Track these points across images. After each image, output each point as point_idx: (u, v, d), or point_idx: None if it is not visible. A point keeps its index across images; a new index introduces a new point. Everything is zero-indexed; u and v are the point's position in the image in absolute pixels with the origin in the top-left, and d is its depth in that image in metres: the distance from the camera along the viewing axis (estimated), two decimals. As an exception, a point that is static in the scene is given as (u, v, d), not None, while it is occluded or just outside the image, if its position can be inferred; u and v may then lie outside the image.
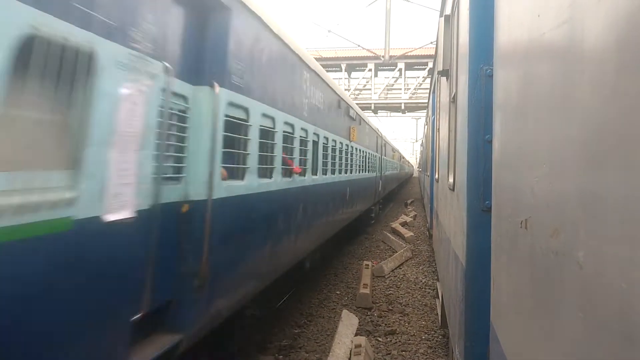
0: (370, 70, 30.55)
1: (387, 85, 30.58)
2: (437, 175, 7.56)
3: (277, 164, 5.84)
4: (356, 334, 7.09)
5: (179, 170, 3.78)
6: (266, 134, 5.52)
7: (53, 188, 2.37)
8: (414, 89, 29.87)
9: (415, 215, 24.45)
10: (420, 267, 12.33)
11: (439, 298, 7.91)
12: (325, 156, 8.84)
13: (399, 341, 7.29)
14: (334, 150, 9.62)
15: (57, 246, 2.37)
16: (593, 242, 1.00)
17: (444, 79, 5.61)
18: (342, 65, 31.11)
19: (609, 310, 0.90)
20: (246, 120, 4.83)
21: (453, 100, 4.38)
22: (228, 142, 4.37)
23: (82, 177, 2.53)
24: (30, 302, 2.25)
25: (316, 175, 8.16)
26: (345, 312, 7.87)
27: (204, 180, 3.92)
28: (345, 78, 31.53)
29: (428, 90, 19.53)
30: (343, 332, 6.81)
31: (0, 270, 2.08)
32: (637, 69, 0.81)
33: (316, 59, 8.39)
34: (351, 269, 11.87)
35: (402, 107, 30.77)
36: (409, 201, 33.51)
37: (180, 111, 3.78)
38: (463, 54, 3.59)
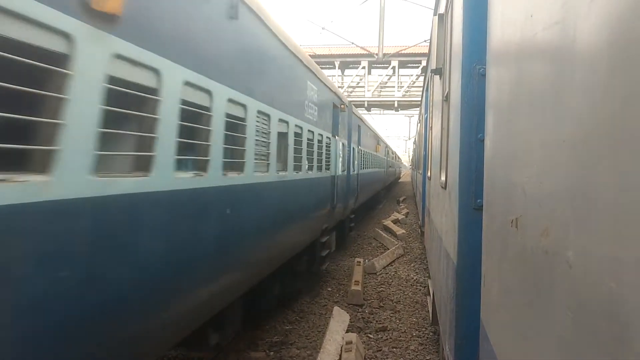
0: (363, 67, 30.53)
1: (380, 83, 30.59)
2: (429, 173, 7.58)
3: (370, 165, 20.26)
4: (347, 331, 7.11)
5: (349, 166, 13.40)
6: (344, 149, 12.87)
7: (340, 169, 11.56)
8: (407, 87, 29.90)
9: (408, 212, 24.53)
10: (412, 265, 12.39)
11: (430, 295, 7.95)
12: (368, 161, 19.48)
13: (390, 338, 7.33)
14: (370, 157, 20.54)
15: (337, 179, 10.91)
16: (583, 241, 1.00)
17: (437, 77, 5.63)
18: (335, 62, 31.06)
19: (597, 310, 0.91)
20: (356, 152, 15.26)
21: (446, 98, 4.39)
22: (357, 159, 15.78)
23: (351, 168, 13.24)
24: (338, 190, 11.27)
25: (367, 169, 19.07)
26: (336, 309, 7.89)
27: (336, 165, 11.10)
28: (338, 75, 31.49)
29: (421, 89, 19.60)
30: (334, 329, 6.83)
31: (347, 179, 12.80)
32: (628, 70, 0.81)
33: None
34: (343, 266, 11.89)
35: (395, 105, 30.82)
36: (401, 198, 33.62)
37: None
38: (456, 52, 3.59)
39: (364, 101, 30.39)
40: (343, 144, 11.99)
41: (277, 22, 6.06)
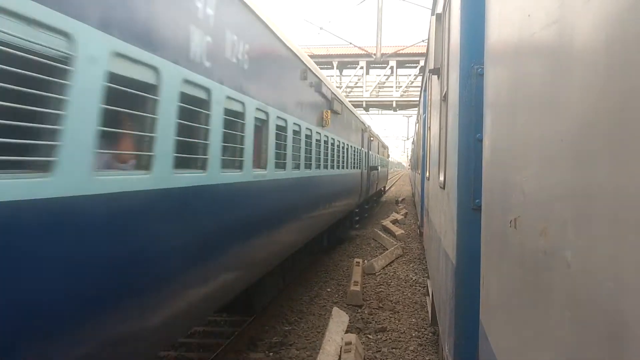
0: (362, 67, 30.49)
1: (378, 83, 30.57)
2: (428, 174, 7.59)
3: (378, 164, 27.01)
4: (347, 331, 7.10)
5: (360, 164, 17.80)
6: (365, 155, 19.70)
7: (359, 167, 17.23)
8: (406, 86, 29.88)
9: (406, 213, 24.54)
10: (411, 265, 12.38)
11: (429, 296, 7.94)
12: (377, 161, 25.89)
13: (390, 338, 7.32)
14: (377, 159, 26.45)
15: (363, 174, 18.11)
16: (581, 241, 1.00)
17: (435, 77, 5.63)
18: (333, 62, 31.02)
19: (596, 309, 0.91)
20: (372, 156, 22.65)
21: (444, 98, 4.39)
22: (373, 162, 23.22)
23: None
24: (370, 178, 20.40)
25: (378, 169, 25.37)
26: (335, 310, 7.88)
27: (363, 165, 18.51)
28: (337, 75, 31.46)
29: (419, 88, 19.63)
30: (333, 330, 6.82)
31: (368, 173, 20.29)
32: (625, 68, 0.81)
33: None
34: (342, 267, 11.89)
35: (394, 105, 30.78)
36: (399, 199, 33.62)
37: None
38: (454, 52, 3.59)
39: (362, 101, 30.34)
40: (365, 152, 19.46)
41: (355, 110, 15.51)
